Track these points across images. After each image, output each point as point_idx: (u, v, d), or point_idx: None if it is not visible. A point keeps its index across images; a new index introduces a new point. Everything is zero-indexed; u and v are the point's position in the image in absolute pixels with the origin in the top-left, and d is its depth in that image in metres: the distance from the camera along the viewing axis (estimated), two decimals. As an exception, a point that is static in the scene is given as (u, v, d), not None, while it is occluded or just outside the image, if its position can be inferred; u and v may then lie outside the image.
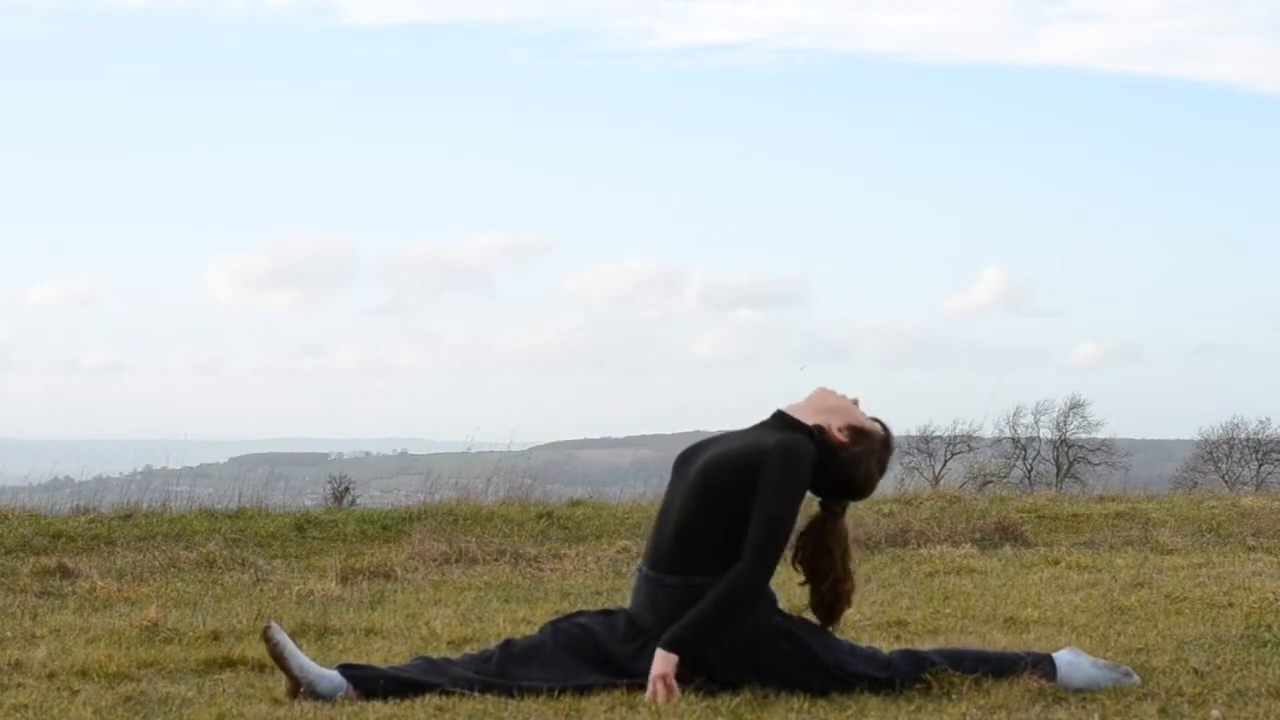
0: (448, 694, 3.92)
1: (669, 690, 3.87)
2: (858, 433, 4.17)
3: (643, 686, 3.93)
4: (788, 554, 4.16)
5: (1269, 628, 5.32)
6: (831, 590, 4.17)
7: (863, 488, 4.20)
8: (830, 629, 4.19)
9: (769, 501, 3.97)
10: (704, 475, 4.07)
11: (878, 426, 4.23)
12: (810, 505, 4.18)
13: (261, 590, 7.16)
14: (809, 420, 4.17)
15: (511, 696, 3.92)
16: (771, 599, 4.11)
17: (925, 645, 4.95)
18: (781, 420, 4.19)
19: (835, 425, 4.16)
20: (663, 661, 3.92)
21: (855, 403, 4.25)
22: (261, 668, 4.57)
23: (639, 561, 4.32)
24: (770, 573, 4.00)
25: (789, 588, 6.99)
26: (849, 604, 4.23)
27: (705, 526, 4.03)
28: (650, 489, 12.56)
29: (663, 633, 3.96)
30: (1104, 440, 42.87)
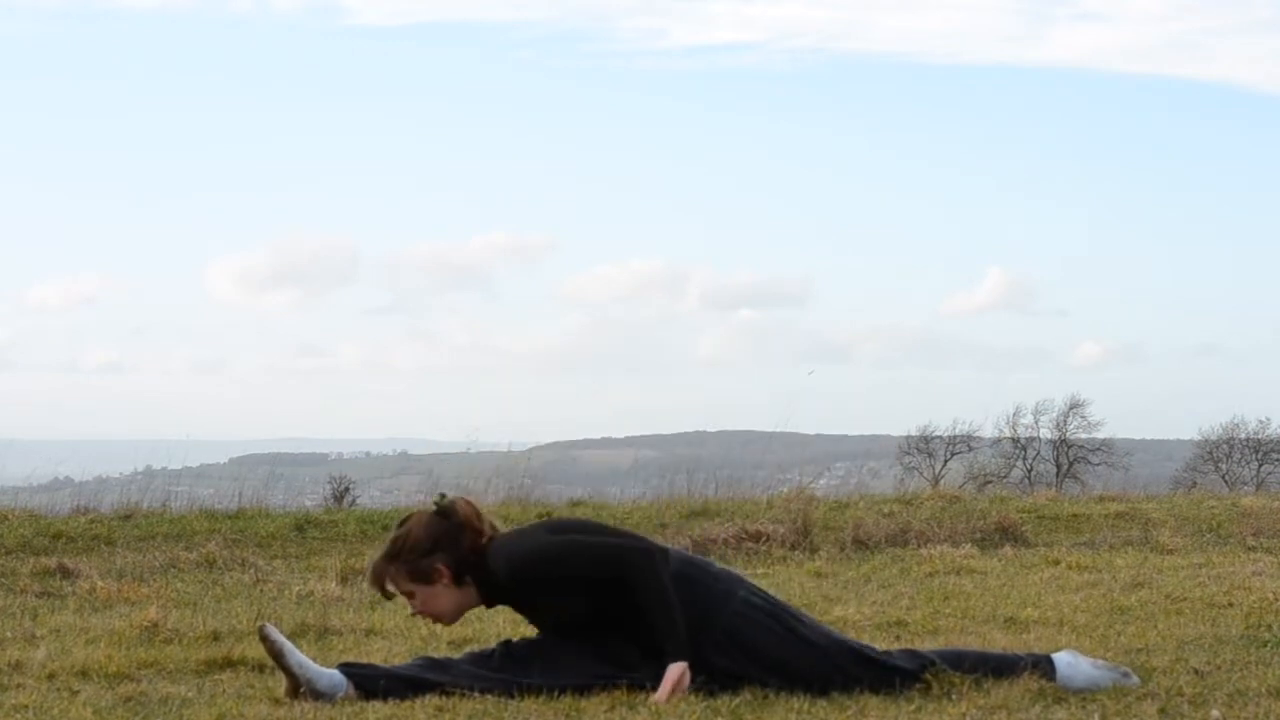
0: (448, 693, 3.92)
1: (674, 690, 3.88)
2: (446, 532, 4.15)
3: (643, 686, 3.93)
4: None
5: (1269, 628, 5.32)
6: None
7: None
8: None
9: (572, 560, 4.02)
10: (551, 609, 4.08)
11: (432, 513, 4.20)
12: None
13: (261, 590, 7.16)
14: (483, 535, 4.15)
15: (512, 696, 3.92)
16: (748, 584, 4.14)
17: (925, 645, 4.95)
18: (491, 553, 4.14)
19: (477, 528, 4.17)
20: (676, 667, 3.93)
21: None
22: (261, 668, 4.57)
23: None
24: (639, 549, 4.02)
25: (788, 587, 7.00)
26: None
27: (603, 614, 4.04)
28: (650, 489, 12.58)
29: (653, 656, 3.97)
30: (1104, 440, 42.81)
